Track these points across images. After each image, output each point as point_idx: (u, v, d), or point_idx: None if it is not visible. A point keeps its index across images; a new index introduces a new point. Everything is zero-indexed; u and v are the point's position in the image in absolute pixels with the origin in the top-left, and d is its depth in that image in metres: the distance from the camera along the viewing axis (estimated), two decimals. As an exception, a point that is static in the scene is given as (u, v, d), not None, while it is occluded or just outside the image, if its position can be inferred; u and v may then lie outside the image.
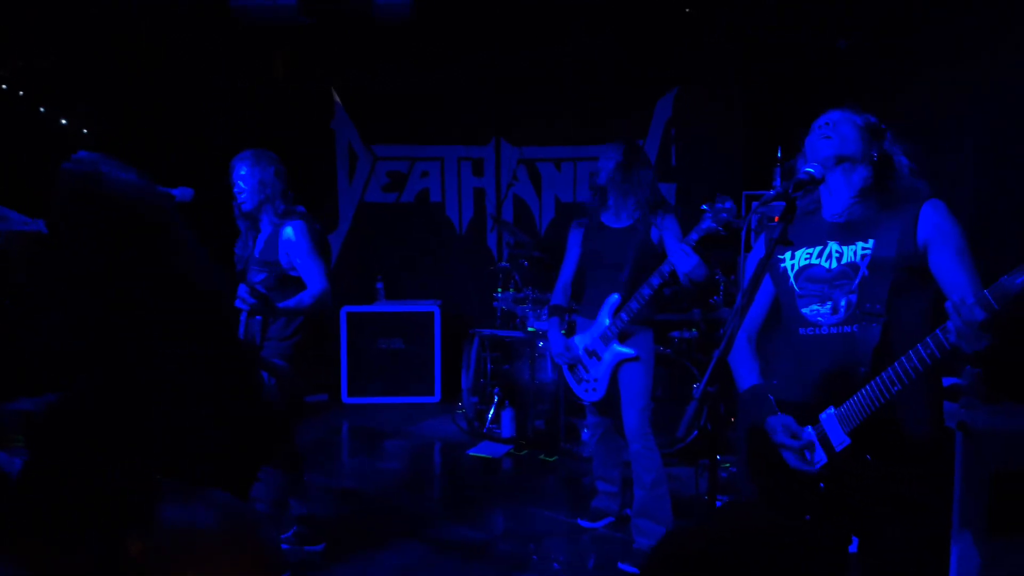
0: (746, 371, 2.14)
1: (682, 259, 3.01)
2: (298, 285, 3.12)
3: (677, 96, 6.39)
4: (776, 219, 2.01)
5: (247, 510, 0.97)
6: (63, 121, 5.67)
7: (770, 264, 2.04)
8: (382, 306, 6.35)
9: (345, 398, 6.23)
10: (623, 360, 3.34)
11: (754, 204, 2.22)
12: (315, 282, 3.09)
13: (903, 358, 1.72)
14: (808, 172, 1.89)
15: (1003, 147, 3.65)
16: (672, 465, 4.60)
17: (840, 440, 1.86)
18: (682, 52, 6.10)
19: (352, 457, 5.13)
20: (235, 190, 3.18)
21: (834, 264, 1.96)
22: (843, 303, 1.92)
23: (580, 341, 3.47)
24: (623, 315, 3.27)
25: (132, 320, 2.03)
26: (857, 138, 1.95)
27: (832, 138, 1.96)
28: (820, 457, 1.90)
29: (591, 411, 3.65)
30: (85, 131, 5.81)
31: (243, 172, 3.16)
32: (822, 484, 1.91)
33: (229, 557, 0.88)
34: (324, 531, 3.46)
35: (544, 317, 5.17)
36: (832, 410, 1.88)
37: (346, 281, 6.59)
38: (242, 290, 2.85)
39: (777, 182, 2.03)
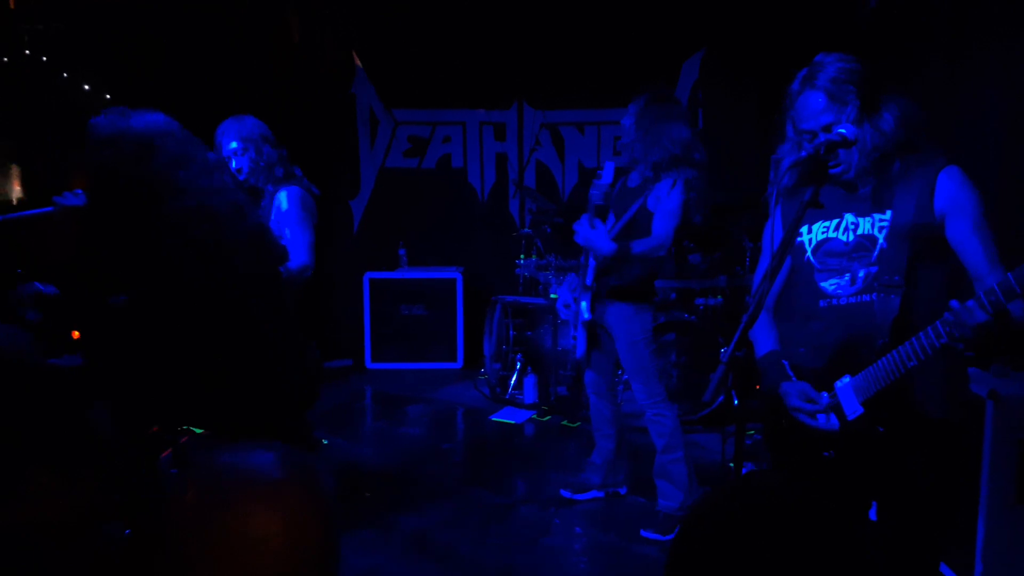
0: (763, 338, 2.12)
1: (580, 227, 3.21)
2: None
3: (704, 58, 6.24)
4: (790, 187, 1.96)
5: (307, 457, 0.97)
6: (85, 87, 5.68)
7: (788, 232, 1.99)
8: (405, 272, 6.36)
9: (369, 364, 6.28)
10: (587, 323, 3.42)
11: (784, 165, 2.11)
12: (297, 255, 3.00)
13: (920, 334, 1.69)
14: (841, 133, 1.83)
15: None
16: (697, 432, 4.59)
17: (853, 409, 1.84)
18: (709, 12, 5.94)
19: (376, 422, 5.18)
20: (232, 167, 3.06)
21: (851, 236, 1.92)
22: (861, 274, 1.89)
23: (584, 300, 3.52)
24: (587, 280, 3.39)
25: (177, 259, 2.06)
26: (857, 97, 1.83)
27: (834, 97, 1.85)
28: (833, 423, 1.89)
29: (589, 368, 3.62)
30: (107, 96, 5.82)
31: (233, 146, 3.07)
32: (832, 452, 1.91)
33: (288, 498, 0.89)
34: (345, 494, 3.50)
35: (566, 284, 5.14)
36: (848, 379, 1.86)
37: (368, 247, 6.59)
38: None
39: (785, 149, 1.90)
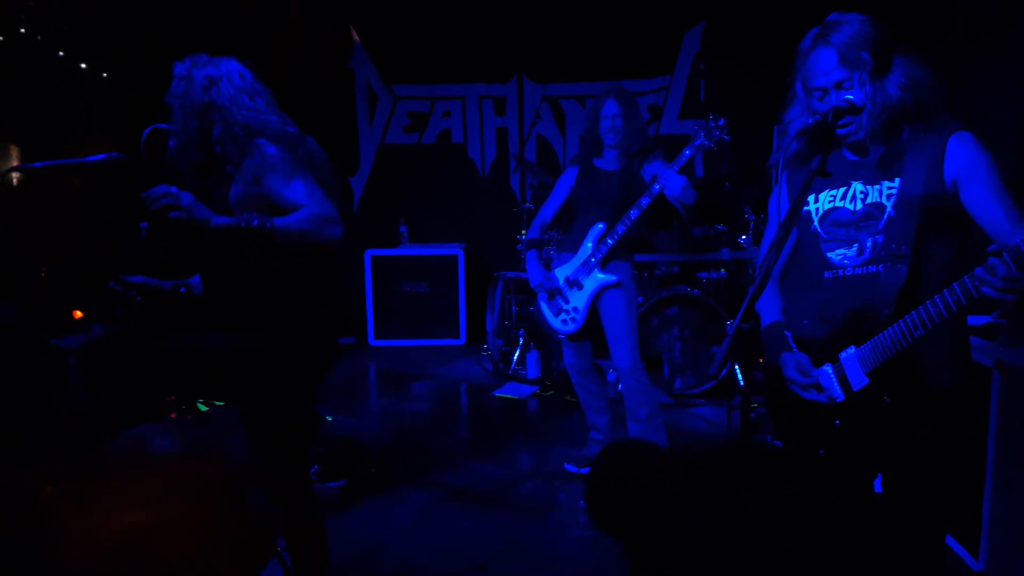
0: (768, 308, 2.10)
1: (672, 179, 3.09)
2: None
3: (705, 29, 6.16)
4: (795, 156, 1.92)
5: (215, 435, 0.97)
6: (82, 65, 5.62)
7: (796, 201, 1.95)
8: (406, 249, 6.33)
9: (372, 340, 6.28)
10: (605, 287, 3.38)
11: (792, 131, 2.08)
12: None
13: (928, 303, 1.65)
14: (848, 99, 1.79)
15: None
16: (700, 405, 4.59)
17: (859, 380, 1.82)
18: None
19: (379, 398, 5.18)
20: None
21: (859, 205, 1.88)
22: (868, 243, 1.85)
23: (561, 272, 3.52)
24: (608, 240, 3.33)
25: None
26: (870, 57, 1.77)
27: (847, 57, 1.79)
28: (838, 394, 1.87)
29: (568, 348, 3.63)
30: (104, 75, 5.76)
31: None
32: (837, 421, 1.89)
33: (182, 476, 0.89)
34: (350, 470, 3.51)
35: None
36: (852, 350, 1.84)
37: (369, 225, 6.56)
38: None
39: (794, 112, 1.87)
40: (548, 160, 6.62)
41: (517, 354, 5.45)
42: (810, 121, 1.81)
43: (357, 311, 6.30)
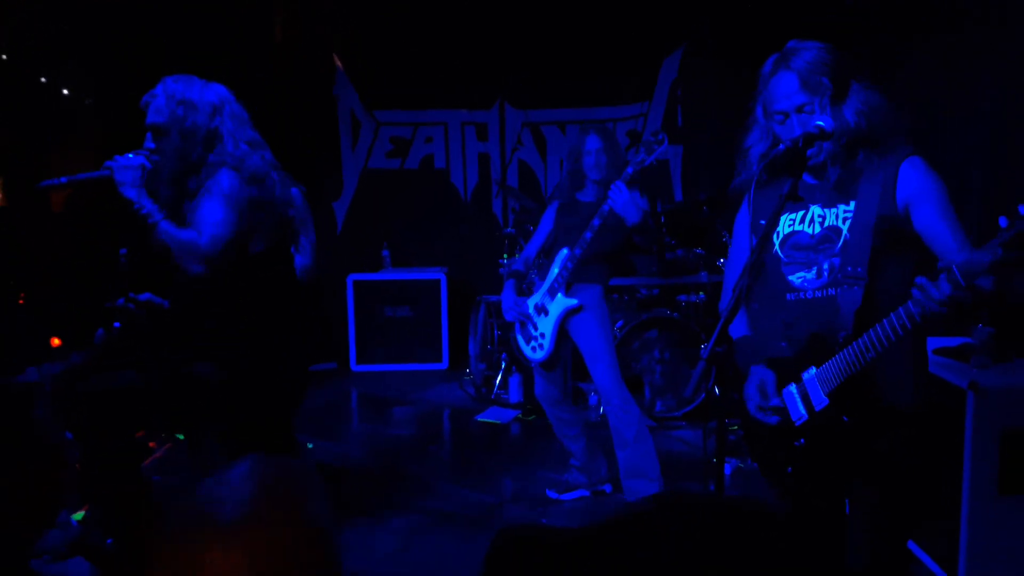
0: (736, 325, 2.14)
1: (617, 195, 3.10)
2: None
3: (683, 55, 6.27)
4: (764, 179, 1.97)
5: (286, 469, 0.96)
6: (64, 91, 5.61)
7: (756, 226, 2.00)
8: (388, 274, 6.34)
9: (353, 366, 6.26)
10: (569, 311, 3.37)
11: (755, 154, 2.12)
12: (301, 255, 3.13)
13: (877, 326, 1.70)
14: (819, 125, 1.84)
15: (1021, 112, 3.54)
16: (680, 428, 4.61)
17: (819, 400, 1.86)
18: (687, 11, 5.97)
19: (361, 424, 5.16)
20: None
21: (817, 229, 1.92)
22: (826, 266, 1.90)
23: (532, 300, 3.53)
24: (568, 263, 3.34)
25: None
26: (830, 83, 1.84)
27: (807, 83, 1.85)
28: (801, 414, 1.90)
29: (539, 377, 3.59)
30: (87, 101, 5.76)
31: None
32: (802, 440, 1.92)
33: (263, 520, 0.88)
34: (332, 496, 3.48)
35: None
36: (814, 370, 1.88)
37: (352, 249, 6.57)
38: None
39: (754, 136, 1.93)
40: (529, 185, 6.68)
41: (499, 378, 5.45)
42: (781, 147, 1.85)
43: (339, 336, 6.28)
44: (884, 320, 1.68)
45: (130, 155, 2.40)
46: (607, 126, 3.55)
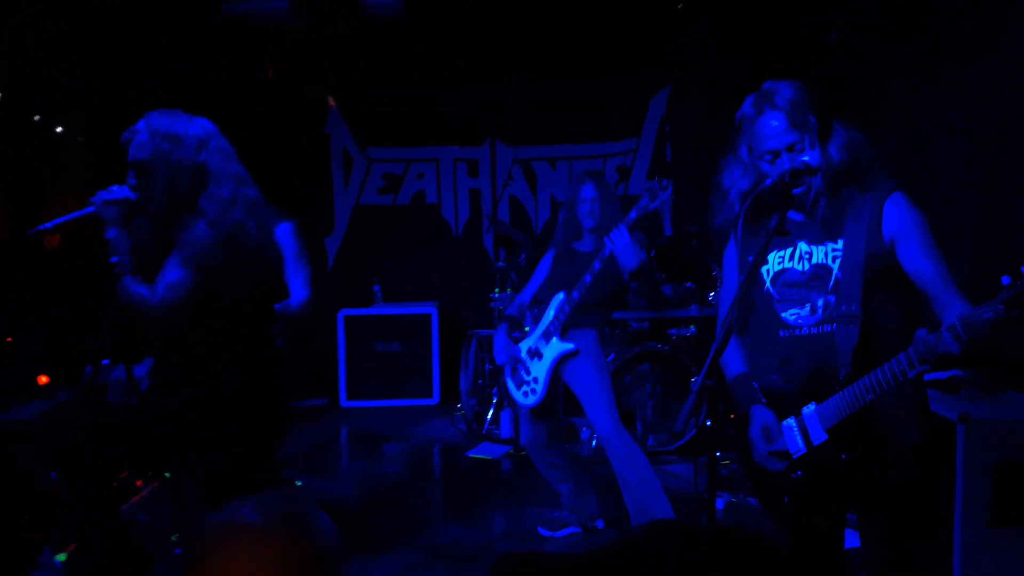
0: (733, 361, 2.14)
1: (616, 237, 3.07)
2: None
3: (671, 93, 6.38)
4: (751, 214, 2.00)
5: (298, 506, 0.97)
6: (58, 129, 5.64)
7: (744, 262, 2.03)
8: (380, 309, 6.33)
9: (344, 402, 6.21)
10: (565, 356, 3.31)
11: (737, 190, 2.17)
12: (300, 290, 3.10)
13: (878, 370, 1.73)
14: (805, 161, 1.87)
15: (1003, 146, 3.61)
16: (672, 463, 4.59)
17: (818, 436, 1.88)
18: (674, 51, 6.08)
19: (351, 461, 5.11)
20: None
21: (806, 266, 1.95)
22: (820, 303, 1.92)
23: (525, 343, 3.45)
24: (565, 307, 3.27)
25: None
26: (815, 120, 1.88)
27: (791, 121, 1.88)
28: (799, 447, 1.91)
29: (525, 423, 3.52)
30: (80, 139, 5.79)
31: None
32: (800, 472, 1.93)
33: (273, 549, 0.89)
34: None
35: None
36: (813, 406, 1.90)
37: (343, 284, 6.57)
38: None
39: (734, 174, 2.02)
40: (520, 220, 6.72)
41: (491, 413, 5.42)
42: (768, 183, 1.88)
43: (329, 371, 6.25)
44: (885, 365, 1.71)
45: (114, 188, 2.35)
46: (603, 176, 3.52)
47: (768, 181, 1.88)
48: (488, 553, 3.48)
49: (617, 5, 5.82)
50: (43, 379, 4.31)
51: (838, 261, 1.89)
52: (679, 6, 5.71)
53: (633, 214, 3.10)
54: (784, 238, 1.96)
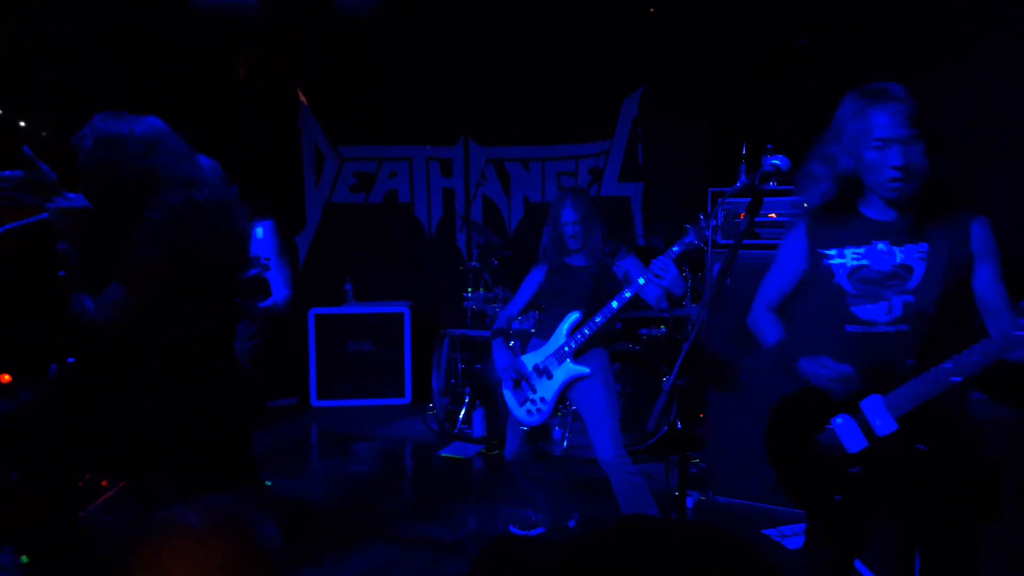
0: (771, 330, 2.20)
1: (662, 273, 2.91)
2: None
3: (643, 95, 6.44)
4: (742, 215, 2.04)
5: (240, 510, 0.97)
6: (21, 123, 5.53)
7: (811, 259, 2.09)
8: (351, 308, 6.30)
9: (314, 401, 6.17)
10: (576, 379, 3.24)
11: (719, 200, 2.24)
12: (281, 287, 3.10)
13: (966, 352, 1.79)
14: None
15: (1003, 147, 3.67)
16: (643, 462, 4.63)
17: (886, 426, 1.91)
18: (646, 53, 6.14)
19: (322, 460, 5.08)
20: None
21: (886, 265, 1.99)
22: (898, 302, 1.97)
23: (530, 359, 3.36)
24: (584, 330, 3.18)
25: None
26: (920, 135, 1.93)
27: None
28: (860, 442, 1.94)
29: (515, 436, 3.44)
30: (44, 133, 5.68)
31: None
32: (858, 468, 1.96)
33: (211, 552, 0.89)
34: (291, 535, 3.42)
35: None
36: (878, 397, 1.93)
37: (314, 283, 6.53)
38: None
39: (743, 179, 2.10)
40: (494, 220, 6.74)
41: (463, 413, 5.43)
42: (737, 185, 1.93)
43: (299, 371, 6.21)
44: (976, 347, 1.78)
45: (72, 195, 2.22)
46: (582, 192, 3.39)
47: (737, 185, 1.93)
48: (460, 553, 3.49)
49: (590, 8, 5.86)
50: (5, 378, 4.22)
51: (923, 263, 1.95)
52: (651, 10, 5.77)
53: (677, 248, 2.94)
54: (860, 235, 2.02)
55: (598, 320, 3.15)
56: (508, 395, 3.40)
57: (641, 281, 3.04)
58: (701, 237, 2.92)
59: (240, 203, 2.47)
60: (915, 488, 1.93)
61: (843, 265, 2.05)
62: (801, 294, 2.19)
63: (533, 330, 4.67)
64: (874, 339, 1.98)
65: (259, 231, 3.14)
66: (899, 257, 1.98)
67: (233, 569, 0.89)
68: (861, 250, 2.03)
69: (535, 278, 3.52)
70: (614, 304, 3.11)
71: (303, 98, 6.62)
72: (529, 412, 3.33)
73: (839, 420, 1.97)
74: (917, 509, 1.97)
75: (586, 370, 3.21)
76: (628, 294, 3.09)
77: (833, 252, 2.06)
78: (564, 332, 3.26)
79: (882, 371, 1.94)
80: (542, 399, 3.29)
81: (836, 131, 2.01)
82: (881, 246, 2.00)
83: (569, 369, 3.23)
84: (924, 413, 1.87)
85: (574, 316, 3.24)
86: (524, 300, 3.57)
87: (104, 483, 4.07)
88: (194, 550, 0.89)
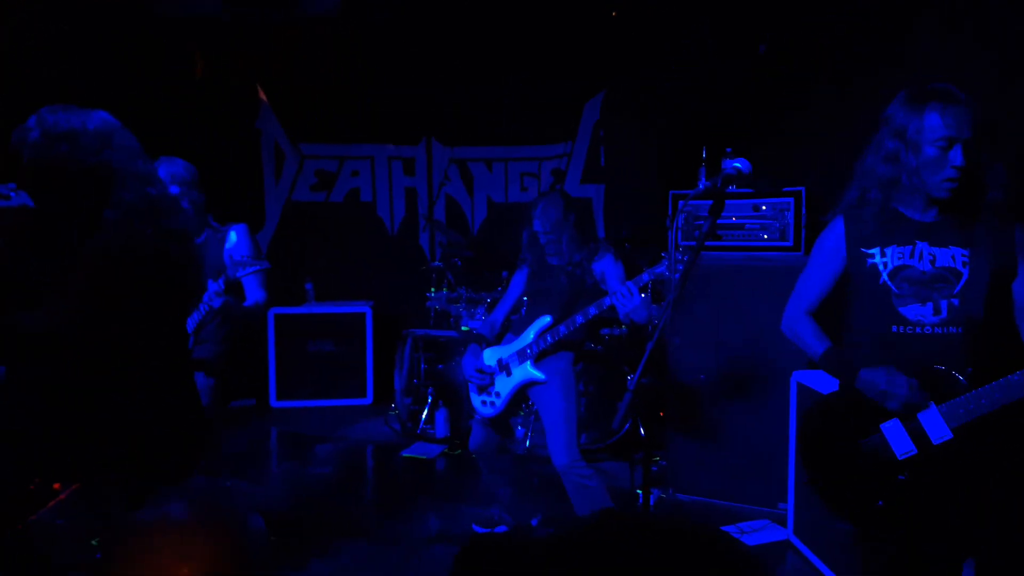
0: (815, 338, 2.15)
1: (625, 299, 2.96)
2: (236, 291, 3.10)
3: (605, 98, 6.49)
4: (707, 216, 2.06)
5: (224, 500, 0.97)
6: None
7: (852, 259, 2.08)
8: (312, 308, 6.23)
9: (273, 402, 6.09)
10: (530, 383, 3.28)
11: (680, 203, 2.28)
12: (256, 290, 3.09)
13: (1018, 373, 1.78)
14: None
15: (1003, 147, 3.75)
16: (603, 460, 4.68)
17: (941, 435, 1.90)
18: (607, 57, 6.19)
19: (281, 463, 5.01)
20: None
21: (929, 266, 1.99)
22: (944, 304, 1.96)
23: (495, 352, 3.40)
24: (548, 336, 3.21)
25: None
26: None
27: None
28: (909, 448, 1.93)
29: (478, 429, 3.48)
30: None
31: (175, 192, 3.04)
32: (903, 475, 1.94)
33: (202, 542, 0.89)
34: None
35: (478, 316, 5.18)
36: (934, 407, 1.91)
37: (273, 282, 6.42)
38: (213, 288, 2.81)
39: (703, 182, 2.13)
40: (457, 220, 6.73)
41: (426, 413, 5.41)
42: (699, 188, 1.96)
43: (258, 371, 6.12)
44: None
45: (10, 189, 2.12)
46: (553, 203, 3.35)
47: (700, 187, 1.95)
48: (423, 554, 3.48)
49: (553, 10, 5.89)
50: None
51: (968, 266, 1.96)
52: (613, 14, 5.82)
53: (646, 277, 2.97)
54: (903, 235, 2.02)
55: (562, 330, 3.19)
56: (471, 386, 3.48)
57: (607, 302, 3.06)
58: (672, 270, 2.96)
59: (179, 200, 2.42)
60: (971, 499, 1.90)
61: (886, 264, 2.04)
62: (840, 297, 2.16)
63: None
64: (923, 340, 1.96)
65: (232, 235, 3.10)
66: (943, 260, 1.98)
67: (223, 560, 0.89)
68: (904, 250, 2.02)
69: (518, 281, 3.56)
70: (579, 319, 3.14)
71: (263, 95, 6.52)
72: (484, 403, 3.40)
73: (889, 425, 1.96)
74: (969, 521, 1.92)
75: (541, 376, 3.25)
76: (593, 311, 3.11)
77: (875, 251, 2.05)
78: (532, 333, 3.29)
79: (940, 379, 1.91)
80: (497, 394, 3.35)
81: (895, 128, 1.99)
82: (924, 246, 2.00)
83: (526, 372, 3.28)
84: (982, 424, 1.86)
85: (545, 320, 3.27)
86: (508, 305, 3.59)
87: (56, 486, 3.96)
88: (185, 543, 0.88)
